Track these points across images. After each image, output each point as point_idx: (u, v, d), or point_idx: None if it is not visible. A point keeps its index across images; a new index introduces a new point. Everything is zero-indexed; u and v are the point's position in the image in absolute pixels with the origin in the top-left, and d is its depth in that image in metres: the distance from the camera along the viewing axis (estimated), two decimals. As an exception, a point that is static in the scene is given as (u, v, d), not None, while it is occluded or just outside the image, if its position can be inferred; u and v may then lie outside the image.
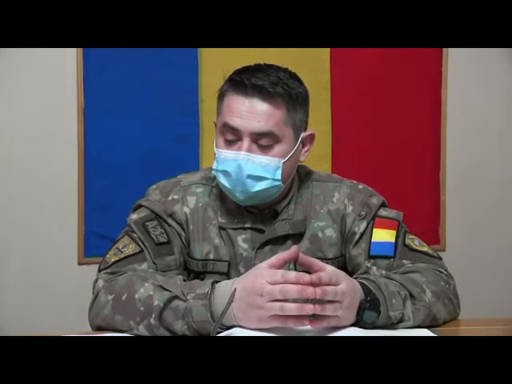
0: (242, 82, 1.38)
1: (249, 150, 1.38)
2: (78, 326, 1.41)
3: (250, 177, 1.38)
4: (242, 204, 1.44)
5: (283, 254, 1.19)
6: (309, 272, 1.43)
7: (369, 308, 1.20)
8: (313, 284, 1.12)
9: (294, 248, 1.19)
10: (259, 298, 1.13)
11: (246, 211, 1.47)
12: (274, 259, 1.18)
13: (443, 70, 2.63)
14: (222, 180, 1.41)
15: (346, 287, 1.15)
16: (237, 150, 1.38)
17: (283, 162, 1.40)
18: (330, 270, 1.17)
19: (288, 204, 1.48)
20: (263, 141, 1.38)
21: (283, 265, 1.18)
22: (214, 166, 1.42)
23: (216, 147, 1.43)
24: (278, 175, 1.40)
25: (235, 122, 1.38)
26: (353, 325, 1.20)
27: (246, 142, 1.38)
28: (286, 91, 1.39)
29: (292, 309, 1.11)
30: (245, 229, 1.46)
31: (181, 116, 2.47)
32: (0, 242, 2.40)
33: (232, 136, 1.39)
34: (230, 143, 1.40)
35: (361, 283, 1.22)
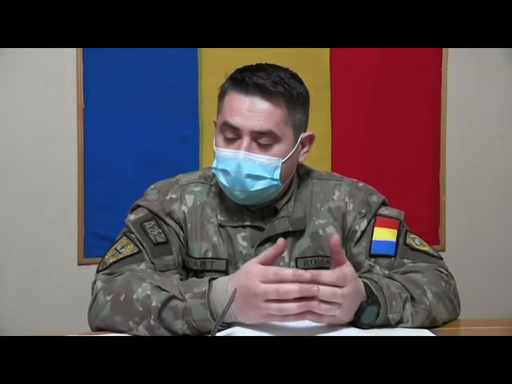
0: (244, 80, 1.37)
1: (248, 149, 1.37)
2: (78, 327, 1.41)
3: (248, 176, 1.38)
4: (241, 203, 1.44)
5: (271, 250, 1.18)
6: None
7: (368, 310, 1.20)
8: (313, 282, 1.12)
9: (281, 241, 1.18)
10: (254, 298, 1.12)
11: (246, 209, 1.46)
12: (262, 257, 1.17)
13: (443, 70, 2.63)
14: (222, 179, 1.41)
15: (349, 291, 1.15)
16: (236, 149, 1.38)
17: (282, 162, 1.40)
18: (341, 271, 1.16)
19: (287, 202, 1.48)
20: (263, 140, 1.38)
21: (273, 260, 1.17)
22: (214, 165, 1.42)
23: (216, 146, 1.43)
24: (277, 175, 1.39)
25: (235, 120, 1.37)
26: (350, 324, 1.20)
27: (245, 141, 1.37)
28: (287, 91, 1.39)
29: (292, 309, 1.11)
30: (244, 227, 1.46)
31: (181, 116, 2.47)
32: (0, 242, 2.39)
33: (232, 134, 1.39)
34: (229, 142, 1.40)
35: (363, 283, 1.22)
